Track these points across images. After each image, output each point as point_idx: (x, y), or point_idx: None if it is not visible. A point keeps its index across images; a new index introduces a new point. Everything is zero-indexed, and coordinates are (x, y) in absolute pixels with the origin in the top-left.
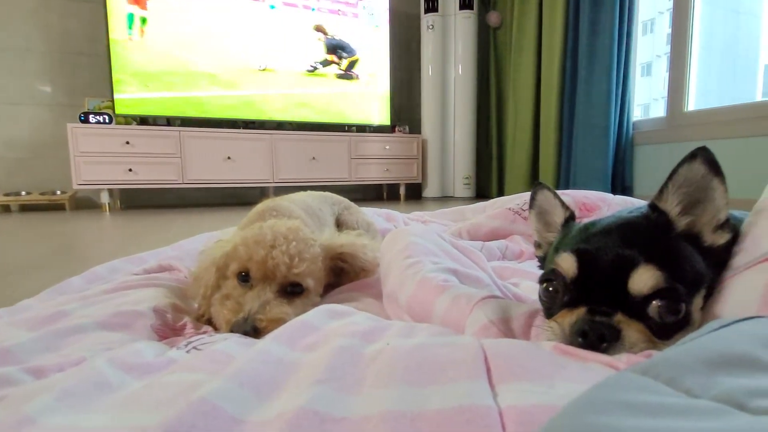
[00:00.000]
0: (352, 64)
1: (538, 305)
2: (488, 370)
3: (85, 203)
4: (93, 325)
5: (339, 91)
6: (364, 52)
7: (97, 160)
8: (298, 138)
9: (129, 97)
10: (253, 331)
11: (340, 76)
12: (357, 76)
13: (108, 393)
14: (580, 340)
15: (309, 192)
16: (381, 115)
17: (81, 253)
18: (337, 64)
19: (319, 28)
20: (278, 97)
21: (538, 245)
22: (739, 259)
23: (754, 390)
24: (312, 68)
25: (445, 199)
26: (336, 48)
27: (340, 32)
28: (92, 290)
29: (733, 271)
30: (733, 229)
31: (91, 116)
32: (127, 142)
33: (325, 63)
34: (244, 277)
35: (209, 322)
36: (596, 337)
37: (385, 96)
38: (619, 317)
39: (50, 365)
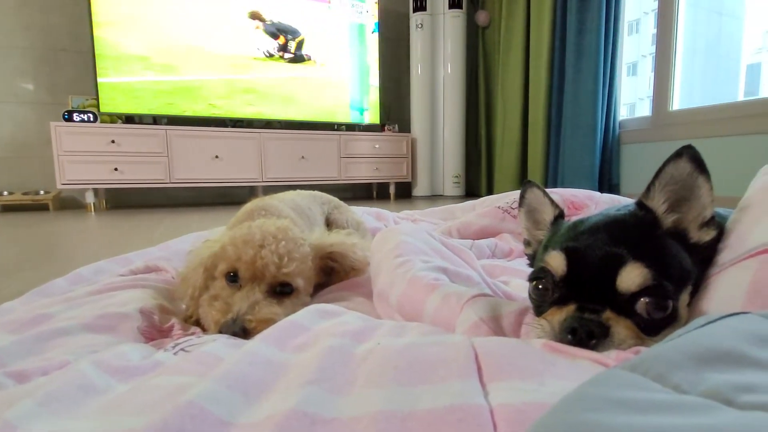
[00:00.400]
0: (300, 45)
1: (528, 303)
2: (479, 369)
3: (69, 203)
4: (78, 328)
5: (292, 75)
6: (320, 33)
7: (82, 159)
8: (287, 137)
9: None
10: (242, 331)
11: (291, 60)
12: (309, 57)
13: (93, 397)
14: (569, 337)
15: (298, 191)
16: (343, 101)
17: (65, 254)
18: (286, 50)
19: (254, 15)
20: (222, 83)
21: (527, 243)
22: (724, 256)
23: (741, 385)
24: (269, 54)
25: (434, 198)
26: (281, 32)
27: (286, 14)
28: (77, 292)
29: (718, 267)
30: (719, 227)
31: (75, 114)
32: (113, 141)
33: (281, 48)
34: (232, 278)
35: (197, 323)
36: (585, 334)
37: (344, 82)
38: (607, 314)
39: (33, 369)
